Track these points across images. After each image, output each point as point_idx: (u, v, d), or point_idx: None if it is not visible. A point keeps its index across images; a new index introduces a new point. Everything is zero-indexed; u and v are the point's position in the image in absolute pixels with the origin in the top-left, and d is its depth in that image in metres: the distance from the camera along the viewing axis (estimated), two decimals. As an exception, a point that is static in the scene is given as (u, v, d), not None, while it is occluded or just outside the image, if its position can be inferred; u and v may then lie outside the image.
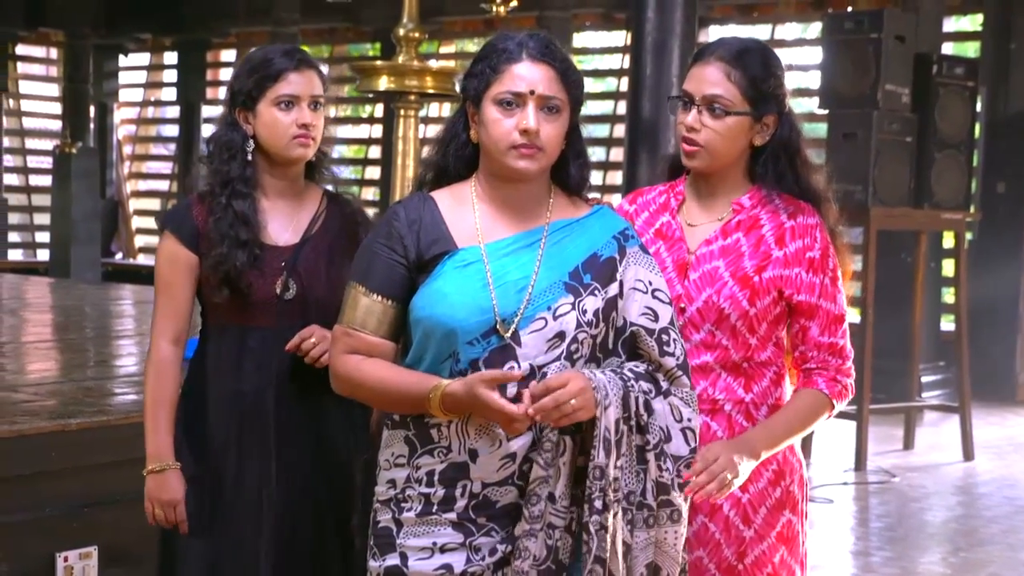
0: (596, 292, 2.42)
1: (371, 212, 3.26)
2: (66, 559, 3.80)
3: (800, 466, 2.75)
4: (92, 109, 18.33)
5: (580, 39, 14.99)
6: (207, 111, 17.48)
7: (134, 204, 19.20)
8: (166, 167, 19.19)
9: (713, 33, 13.01)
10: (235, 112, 3.01)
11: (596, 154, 14.33)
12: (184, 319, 3.02)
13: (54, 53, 19.05)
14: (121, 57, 19.11)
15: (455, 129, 2.51)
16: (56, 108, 18.88)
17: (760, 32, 13.44)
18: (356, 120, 17.41)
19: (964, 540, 6.45)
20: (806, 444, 7.62)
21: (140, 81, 19.61)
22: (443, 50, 16.23)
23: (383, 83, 5.52)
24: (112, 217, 18.31)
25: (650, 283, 2.48)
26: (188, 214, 3.02)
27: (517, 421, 2.28)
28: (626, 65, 12.05)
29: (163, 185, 19.12)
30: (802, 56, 13.55)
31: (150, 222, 18.63)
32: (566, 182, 2.52)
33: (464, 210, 2.47)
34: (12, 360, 5.81)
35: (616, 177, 13.16)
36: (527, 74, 2.39)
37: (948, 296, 11.03)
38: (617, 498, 2.35)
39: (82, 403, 4.31)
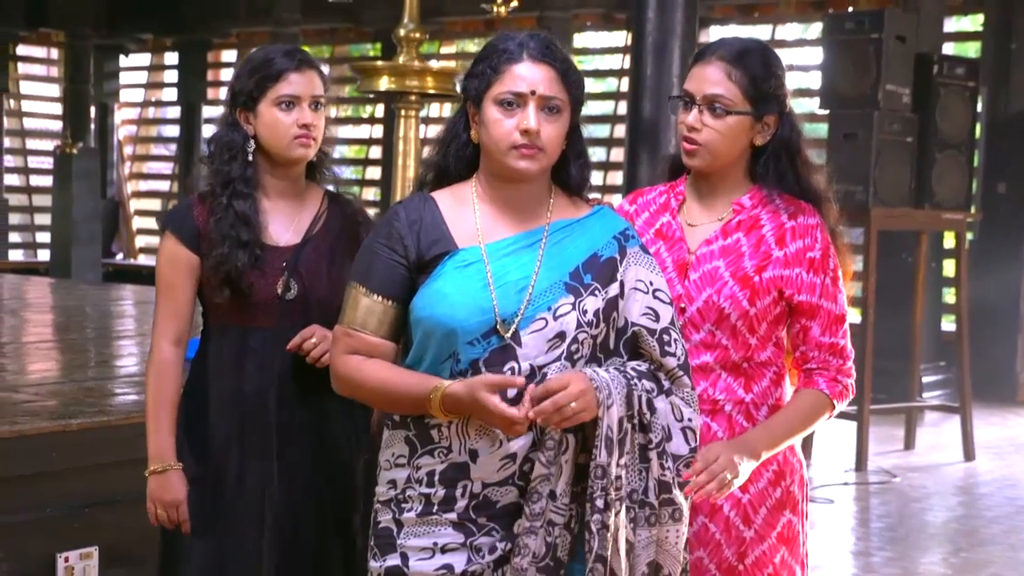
0: (596, 292, 2.42)
1: (372, 212, 3.26)
2: (67, 559, 3.80)
3: (800, 466, 2.75)
4: (93, 109, 18.33)
5: (581, 39, 14.99)
6: (208, 111, 17.48)
7: (135, 204, 19.20)
8: (167, 167, 19.20)
9: (714, 33, 13.01)
10: (236, 112, 3.01)
11: (597, 154, 14.33)
12: (185, 320, 3.02)
13: (55, 53, 19.06)
14: (122, 57, 19.11)
15: (456, 129, 2.51)
16: (57, 108, 18.88)
17: (761, 32, 13.44)
18: (357, 120, 17.42)
19: (965, 540, 6.45)
20: (807, 444, 7.62)
21: (141, 81, 19.61)
22: (444, 50, 16.23)
23: (384, 83, 5.53)
24: (113, 217, 18.31)
25: (651, 283, 2.48)
26: (189, 214, 3.02)
27: (517, 424, 2.28)
28: (627, 65, 12.05)
29: (164, 185, 19.13)
30: (803, 56, 13.56)
31: (151, 222, 18.66)
32: (567, 182, 2.52)
33: (465, 210, 2.47)
34: (13, 360, 5.81)
35: (617, 177, 13.16)
36: (528, 74, 2.39)
37: (949, 296, 11.03)
38: (619, 496, 2.36)
39: (83, 403, 4.31)
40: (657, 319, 2.46)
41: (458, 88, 2.65)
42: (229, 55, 18.26)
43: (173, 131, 18.71)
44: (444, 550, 2.41)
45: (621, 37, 14.29)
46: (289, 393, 2.97)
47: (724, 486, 2.43)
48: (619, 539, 2.37)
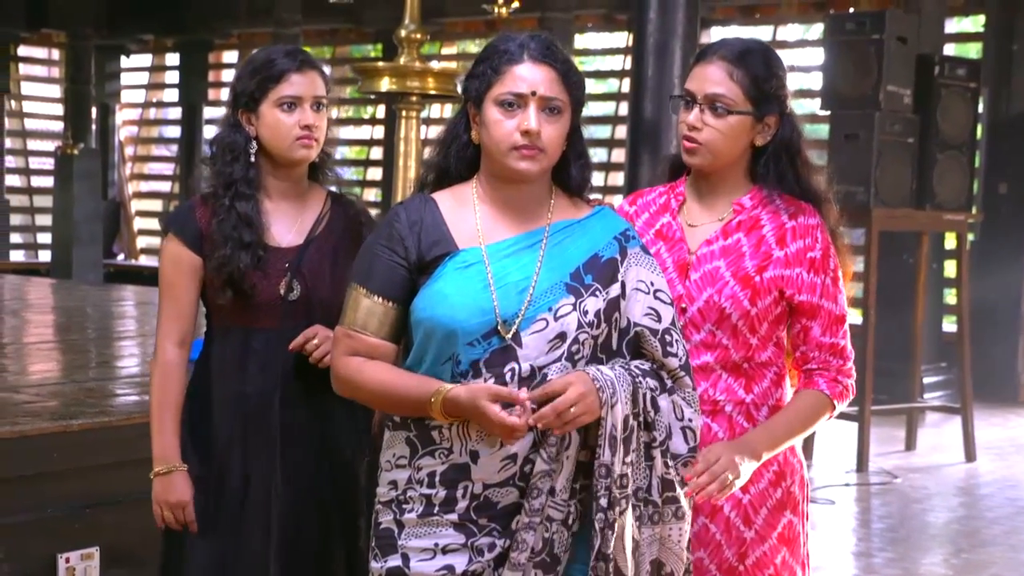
0: (597, 293, 2.43)
1: (373, 213, 3.26)
2: (68, 560, 3.80)
3: (801, 467, 2.75)
4: (94, 110, 18.35)
5: (582, 40, 15.00)
6: (209, 112, 17.49)
7: (136, 205, 19.21)
8: (168, 168, 19.21)
9: (715, 34, 13.01)
10: (238, 113, 3.01)
11: (598, 155, 14.33)
12: (189, 321, 3.03)
13: (56, 54, 19.08)
14: (123, 58, 19.12)
15: (456, 130, 2.51)
16: (58, 109, 18.90)
17: (762, 33, 13.44)
18: (358, 121, 17.42)
19: (966, 541, 6.45)
20: (808, 445, 7.62)
21: (142, 82, 19.62)
22: (445, 51, 16.24)
23: (385, 84, 5.53)
24: (114, 218, 18.33)
25: (652, 284, 2.48)
26: (191, 216, 3.02)
27: (517, 432, 2.29)
28: (628, 66, 12.04)
29: (165, 186, 19.14)
30: (804, 57, 13.56)
31: (152, 223, 18.67)
32: (567, 183, 2.52)
33: (465, 211, 2.47)
34: (14, 361, 5.81)
35: (618, 178, 13.16)
36: (528, 75, 2.39)
37: (950, 297, 11.02)
38: (625, 495, 2.36)
39: (84, 404, 4.31)
40: (659, 319, 2.46)
41: (459, 89, 2.65)
42: (230, 56, 18.27)
43: (174, 132, 18.72)
44: (445, 551, 2.41)
45: (622, 38, 14.29)
46: (292, 394, 2.97)
47: (725, 487, 2.43)
48: (625, 537, 2.37)
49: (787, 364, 2.74)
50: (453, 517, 2.41)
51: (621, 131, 13.39)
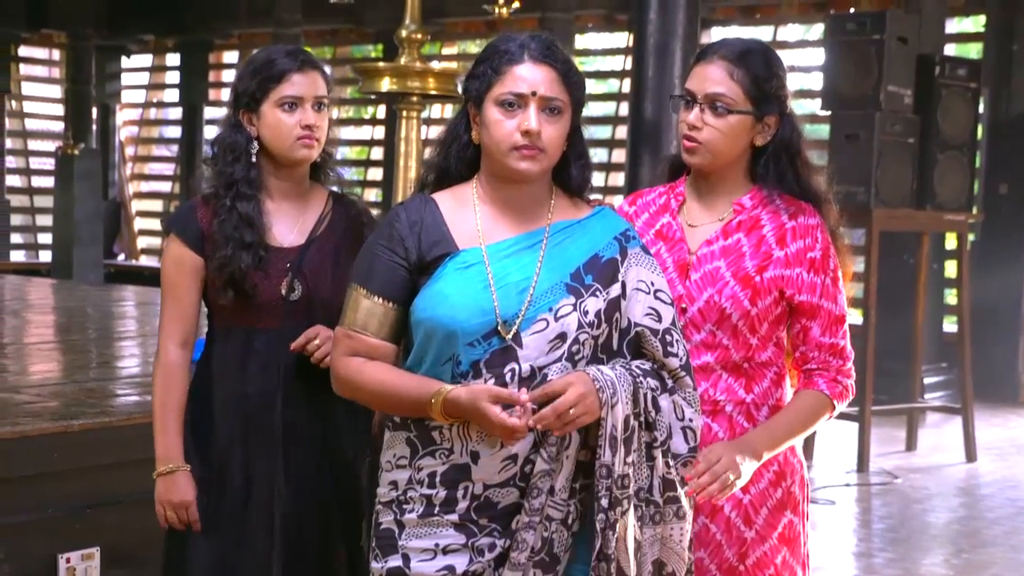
0: (597, 293, 2.43)
1: (374, 213, 3.26)
2: (68, 560, 3.80)
3: (801, 467, 2.75)
4: (94, 110, 18.35)
5: (582, 41, 15.00)
6: (209, 112, 17.49)
7: (136, 205, 19.22)
8: (168, 168, 19.21)
9: (715, 34, 13.01)
10: (239, 114, 3.01)
11: (598, 155, 14.33)
12: (191, 322, 3.03)
13: (56, 55, 19.08)
14: (123, 58, 19.13)
15: (456, 130, 2.51)
16: (58, 109, 18.90)
17: (762, 33, 13.44)
18: (358, 121, 17.43)
19: (967, 541, 6.45)
20: (808, 445, 7.61)
21: (142, 82, 19.63)
22: (445, 51, 16.24)
23: (385, 84, 5.53)
24: (114, 218, 18.33)
25: (652, 284, 2.48)
26: (192, 216, 3.02)
27: (517, 433, 2.29)
28: (628, 67, 12.04)
29: (165, 186, 19.14)
30: (804, 57, 13.56)
31: (152, 223, 18.68)
32: (567, 183, 2.52)
33: (465, 211, 2.47)
34: (15, 361, 5.81)
35: (618, 178, 13.17)
36: (529, 75, 2.40)
37: (950, 297, 11.02)
38: (627, 495, 2.36)
39: (84, 404, 4.31)
40: (659, 319, 2.46)
41: (459, 89, 2.65)
42: (231, 56, 18.28)
43: (175, 132, 18.73)
44: (446, 551, 2.41)
45: (623, 38, 14.29)
46: (294, 394, 2.97)
47: (726, 487, 2.44)
48: (627, 538, 2.37)
49: (787, 364, 2.74)
50: (453, 517, 2.41)
51: (622, 131, 13.39)
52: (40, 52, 19.26)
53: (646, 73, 6.94)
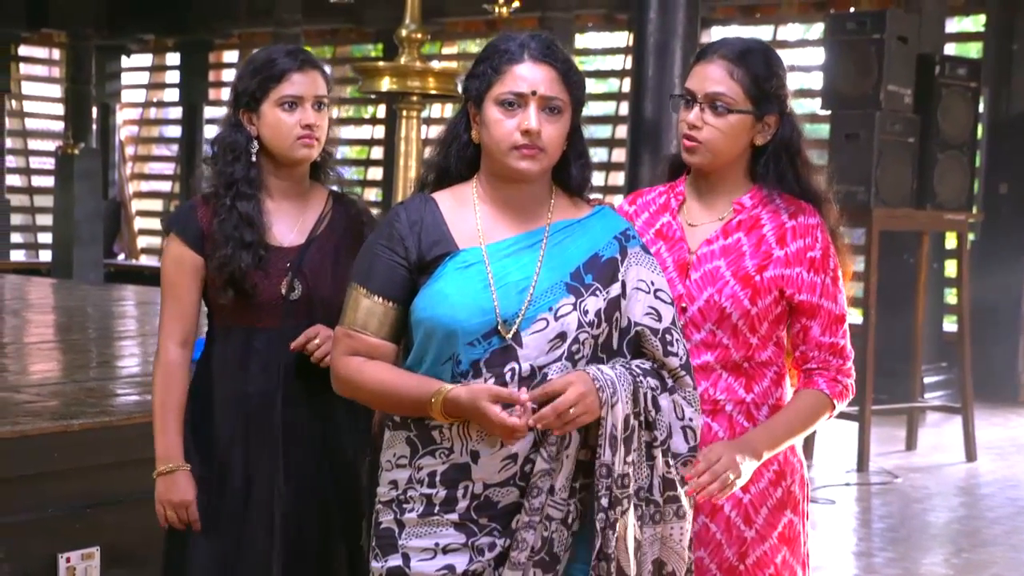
0: (597, 292, 2.43)
1: (374, 213, 3.26)
2: (68, 560, 3.80)
3: (801, 466, 2.75)
4: (94, 110, 18.34)
5: (582, 40, 15.00)
6: (209, 112, 17.49)
7: (136, 205, 19.22)
8: (168, 168, 19.21)
9: (715, 34, 13.01)
10: (239, 113, 3.01)
11: (598, 155, 14.33)
12: (191, 321, 3.03)
13: (56, 54, 19.08)
14: (123, 58, 19.12)
15: (456, 130, 2.51)
16: (58, 109, 18.90)
17: (762, 33, 13.44)
18: (358, 121, 17.43)
19: (967, 541, 6.45)
20: (808, 445, 7.61)
21: (142, 82, 19.63)
22: (445, 51, 16.24)
23: (385, 84, 5.53)
24: (114, 218, 18.33)
25: (652, 283, 2.48)
26: (193, 216, 3.02)
27: (517, 433, 2.29)
28: (628, 66, 12.04)
29: (165, 186, 19.14)
30: (804, 57, 13.56)
31: (152, 223, 18.68)
32: (567, 183, 2.52)
33: (465, 211, 2.47)
34: (15, 361, 5.81)
35: (618, 178, 13.17)
36: (529, 75, 2.40)
37: (950, 297, 11.02)
38: (627, 494, 2.36)
39: (84, 404, 4.31)
40: (659, 319, 2.46)
41: (459, 88, 2.65)
42: (231, 56, 18.28)
43: (175, 132, 18.73)
44: (446, 551, 2.41)
45: (623, 38, 14.29)
46: (294, 393, 2.97)
47: (727, 486, 2.44)
48: (627, 537, 2.37)
49: (787, 364, 2.74)
50: (453, 517, 2.41)
51: (622, 131, 13.39)
52: (40, 51, 19.26)
53: (646, 72, 6.94)
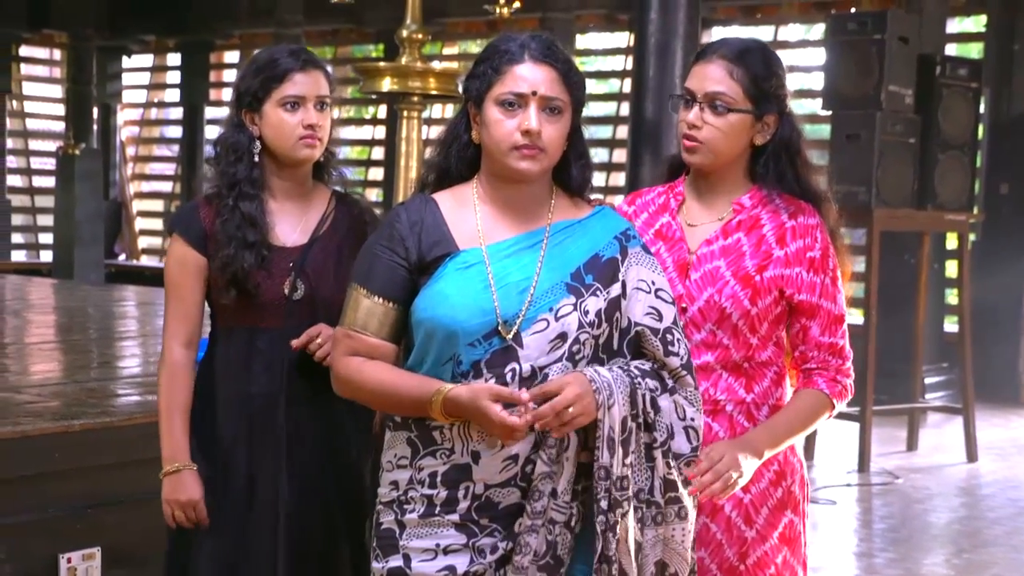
0: (598, 293, 2.43)
1: (376, 213, 3.26)
2: (69, 560, 3.80)
3: (801, 466, 2.75)
4: (95, 111, 18.34)
5: (583, 40, 15.00)
6: (210, 112, 17.49)
7: (137, 205, 19.22)
8: (169, 168, 19.21)
9: (716, 34, 13.00)
10: (241, 113, 3.01)
11: (599, 155, 14.33)
12: (195, 321, 3.03)
13: (57, 55, 19.08)
14: (124, 59, 19.13)
15: (457, 130, 2.51)
16: (59, 110, 18.89)
17: (763, 33, 13.44)
18: (359, 121, 17.42)
19: (968, 541, 6.45)
20: (809, 445, 7.62)
21: (143, 83, 19.62)
22: (446, 51, 16.24)
23: (386, 84, 5.53)
24: (115, 218, 18.33)
25: (653, 283, 2.48)
26: (195, 216, 3.02)
27: (517, 433, 2.29)
28: (629, 66, 12.05)
29: (166, 186, 19.14)
30: (805, 57, 13.57)
31: (153, 223, 18.68)
32: (568, 183, 2.52)
33: (466, 211, 2.47)
34: (16, 361, 5.82)
35: (619, 178, 13.17)
36: (529, 75, 2.40)
37: (951, 297, 11.02)
38: (626, 497, 2.36)
39: (85, 404, 4.31)
40: (660, 319, 2.46)
41: (460, 89, 2.65)
42: (232, 56, 18.28)
43: (176, 132, 18.72)
44: (446, 551, 2.41)
45: (623, 38, 14.29)
46: (297, 393, 2.98)
47: (729, 486, 2.44)
48: (628, 539, 2.37)
49: (786, 364, 2.74)
50: (454, 517, 2.41)
51: (622, 131, 13.39)
52: (41, 52, 19.26)
53: (647, 73, 6.94)
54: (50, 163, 17.52)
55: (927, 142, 8.10)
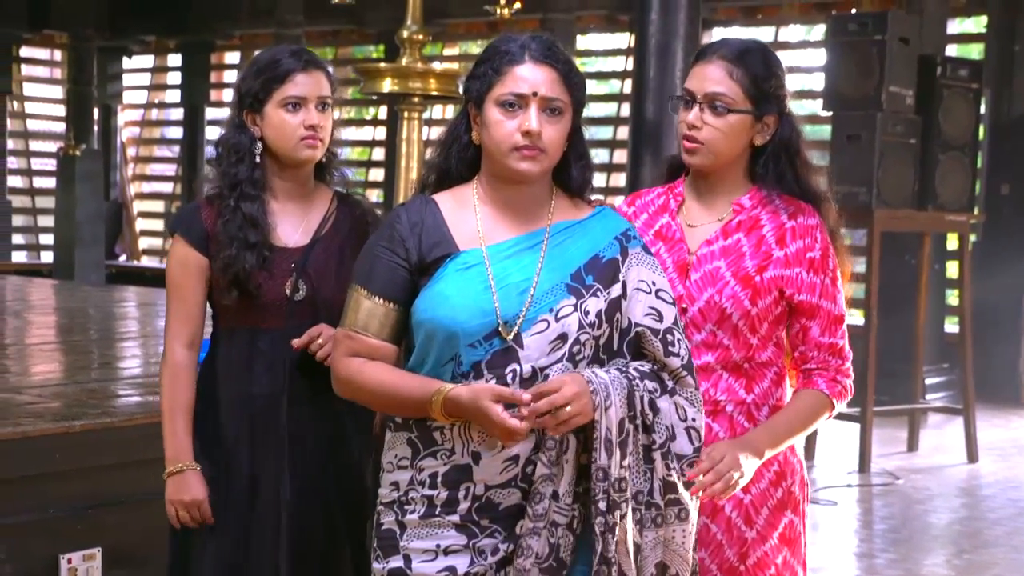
0: (598, 293, 2.43)
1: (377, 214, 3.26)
2: (70, 560, 3.81)
3: (801, 467, 2.75)
4: (96, 111, 18.34)
5: (584, 41, 15.00)
6: (211, 113, 17.49)
7: (138, 206, 19.22)
8: (170, 169, 19.21)
9: (716, 35, 12.99)
10: (243, 114, 3.01)
11: (600, 156, 14.32)
12: (197, 322, 3.03)
13: (58, 55, 19.08)
14: (125, 59, 19.12)
15: (457, 131, 2.51)
16: (60, 110, 18.89)
17: (764, 34, 13.44)
18: (360, 122, 17.42)
19: (968, 542, 6.45)
20: (810, 446, 7.62)
21: (144, 83, 19.62)
22: (447, 52, 16.24)
23: (387, 85, 5.53)
24: (116, 219, 18.33)
25: (653, 283, 2.48)
26: (197, 217, 3.02)
27: (517, 434, 2.29)
28: (629, 67, 12.03)
29: (167, 187, 19.14)
30: (806, 58, 13.57)
31: (154, 224, 18.68)
32: (568, 184, 2.52)
33: (466, 212, 2.47)
34: (16, 362, 5.82)
35: (620, 179, 13.16)
36: (529, 76, 2.40)
37: (952, 298, 11.02)
38: (625, 498, 2.36)
39: (86, 405, 4.31)
40: (660, 319, 2.46)
41: (460, 90, 2.65)
42: (232, 57, 18.28)
43: (176, 133, 18.72)
44: (447, 552, 2.41)
45: (624, 39, 14.29)
46: (299, 393, 2.98)
47: (731, 486, 2.44)
48: (628, 541, 2.37)
49: (786, 364, 2.74)
50: (455, 518, 2.41)
51: (623, 132, 13.39)
52: (42, 53, 19.26)
53: (647, 74, 6.94)
54: (51, 164, 17.53)
55: (928, 143, 8.10)
